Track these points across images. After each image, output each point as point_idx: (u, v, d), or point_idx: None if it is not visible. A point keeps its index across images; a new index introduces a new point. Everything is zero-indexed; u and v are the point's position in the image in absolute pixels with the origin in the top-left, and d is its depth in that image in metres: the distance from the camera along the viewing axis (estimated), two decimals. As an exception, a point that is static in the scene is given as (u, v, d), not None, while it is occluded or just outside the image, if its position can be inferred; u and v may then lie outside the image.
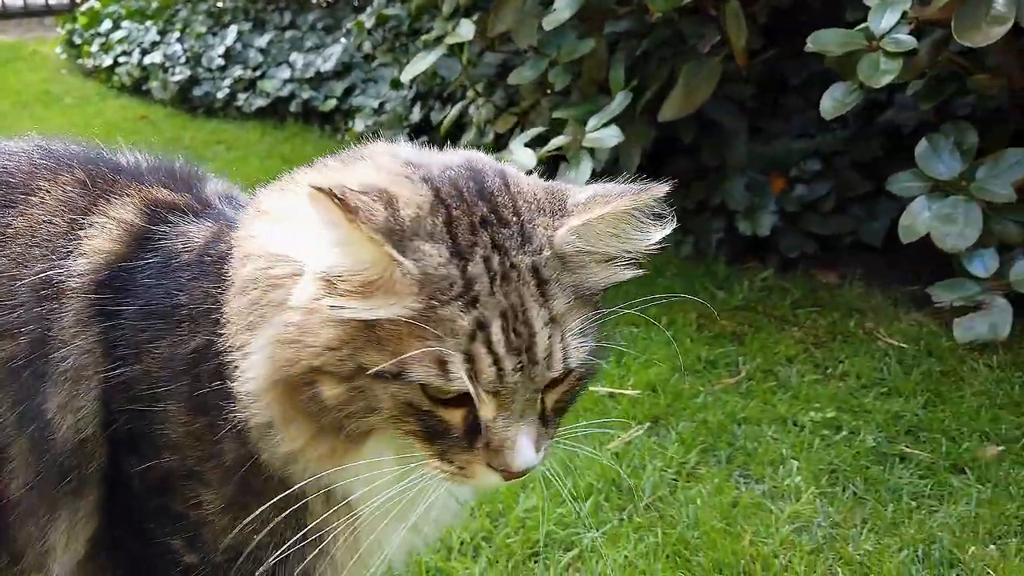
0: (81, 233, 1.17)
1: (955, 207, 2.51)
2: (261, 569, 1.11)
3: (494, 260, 0.96)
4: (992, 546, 1.93)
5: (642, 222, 1.02)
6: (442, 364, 0.94)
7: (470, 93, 3.90)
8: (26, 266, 1.16)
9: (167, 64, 6.61)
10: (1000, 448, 2.25)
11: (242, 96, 6.08)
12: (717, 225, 3.41)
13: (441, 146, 1.16)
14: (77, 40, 8.12)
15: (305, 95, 5.73)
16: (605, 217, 1.00)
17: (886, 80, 2.35)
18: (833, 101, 2.54)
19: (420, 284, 0.94)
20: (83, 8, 8.20)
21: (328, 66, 5.70)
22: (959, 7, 2.26)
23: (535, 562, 1.93)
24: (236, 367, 1.04)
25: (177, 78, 6.40)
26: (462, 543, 1.96)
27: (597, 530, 1.99)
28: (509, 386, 0.97)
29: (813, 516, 2.05)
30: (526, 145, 3.03)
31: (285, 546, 1.09)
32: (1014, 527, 1.99)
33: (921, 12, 2.41)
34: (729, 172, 3.37)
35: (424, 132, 4.47)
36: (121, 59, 7.17)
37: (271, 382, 1.00)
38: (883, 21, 2.39)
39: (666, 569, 1.88)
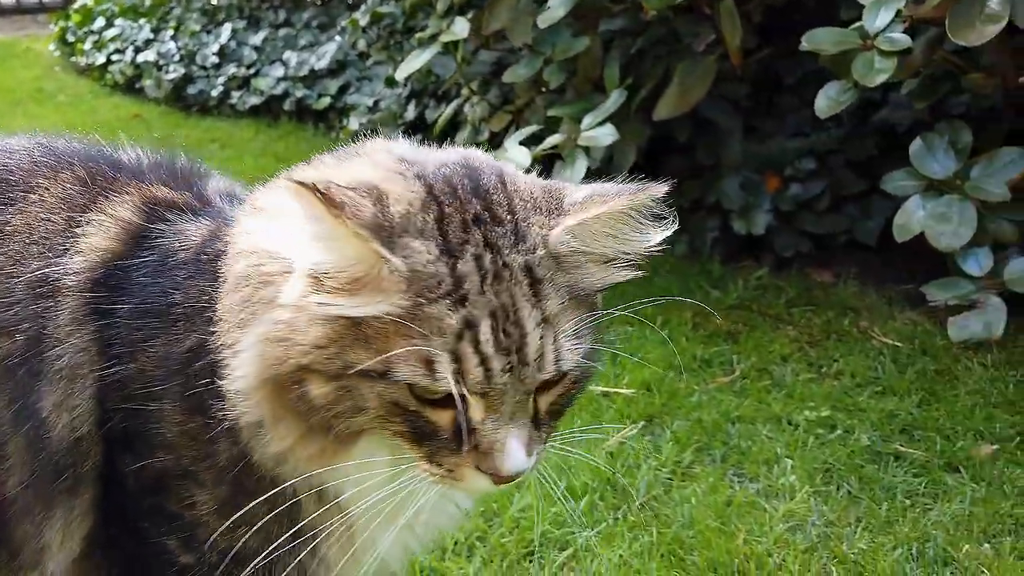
0: (78, 231, 1.17)
1: (949, 206, 2.52)
2: (254, 569, 1.10)
3: (486, 258, 0.95)
4: (986, 545, 1.93)
5: (640, 223, 1.00)
6: (428, 364, 0.93)
7: (465, 91, 3.89)
8: (24, 264, 1.15)
9: (161, 62, 6.59)
10: (994, 447, 2.25)
11: (236, 94, 6.07)
12: (712, 224, 3.41)
13: (436, 144, 1.15)
14: (70, 38, 8.10)
15: (299, 93, 5.71)
16: (601, 217, 0.98)
17: (880, 79, 2.36)
18: (827, 100, 2.55)
19: (408, 281, 0.93)
20: (76, 5, 8.17)
21: (322, 64, 5.69)
22: (953, 6, 2.26)
23: (530, 562, 1.92)
24: (226, 365, 1.03)
25: (171, 76, 6.38)
26: (456, 543, 1.95)
27: (592, 529, 1.99)
28: (497, 387, 0.96)
29: (807, 515, 2.05)
30: (521, 143, 3.03)
31: (275, 544, 1.08)
32: (1008, 525, 1.99)
33: (915, 11, 2.41)
34: (724, 171, 3.37)
35: (419, 130, 4.46)
36: (115, 57, 7.15)
37: (260, 380, 0.99)
38: (877, 20, 2.40)
39: (661, 568, 1.88)
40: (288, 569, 1.12)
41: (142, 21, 7.19)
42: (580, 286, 1.00)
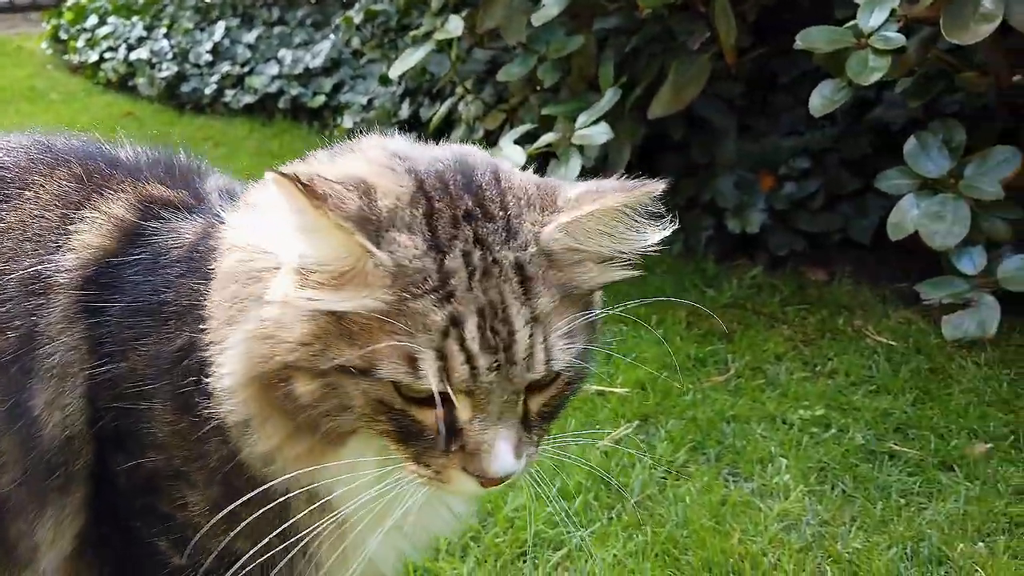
0: (71, 228, 1.16)
1: (943, 204, 2.52)
2: (246, 571, 1.09)
3: (475, 255, 0.93)
4: (980, 543, 1.94)
5: (636, 220, 0.99)
6: (411, 361, 0.91)
7: (459, 90, 3.89)
8: (16, 260, 1.14)
9: (154, 60, 6.56)
10: (988, 445, 2.26)
11: (230, 92, 6.04)
12: (706, 223, 3.41)
13: (432, 143, 1.14)
14: (63, 36, 8.06)
15: (293, 91, 5.70)
16: (596, 214, 0.96)
17: (875, 77, 2.36)
18: (822, 99, 2.55)
19: (393, 276, 0.91)
20: (69, 3, 8.13)
21: (317, 62, 5.67)
22: (947, 5, 2.27)
23: (523, 562, 1.92)
24: (213, 362, 1.02)
25: (164, 74, 6.36)
26: (450, 543, 1.94)
27: (586, 529, 1.99)
28: (483, 386, 0.94)
29: (802, 514, 2.05)
30: (515, 142, 3.02)
31: (263, 544, 1.06)
32: (1002, 524, 2.00)
33: (910, 10, 2.41)
34: (718, 169, 3.36)
35: (413, 129, 4.42)
36: (107, 55, 7.12)
37: (248, 378, 0.98)
38: (872, 19, 2.40)
39: (655, 568, 1.87)
40: (279, 569, 1.11)
41: (135, 19, 7.15)
42: (573, 284, 0.99)
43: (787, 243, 3.32)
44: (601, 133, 2.85)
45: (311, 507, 1.06)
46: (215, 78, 6.14)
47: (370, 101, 5.08)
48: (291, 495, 1.04)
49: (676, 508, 2.05)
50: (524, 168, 1.15)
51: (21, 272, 1.13)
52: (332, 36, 5.81)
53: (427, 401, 0.95)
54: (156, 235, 1.16)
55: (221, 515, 1.05)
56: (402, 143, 1.09)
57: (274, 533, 1.05)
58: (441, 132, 3.72)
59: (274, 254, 0.98)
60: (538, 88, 3.41)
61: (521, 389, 0.98)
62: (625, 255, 1.01)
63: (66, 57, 7.91)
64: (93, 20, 7.59)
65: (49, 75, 7.68)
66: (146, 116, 6.11)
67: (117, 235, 1.16)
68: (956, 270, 2.59)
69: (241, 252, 1.04)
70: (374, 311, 0.91)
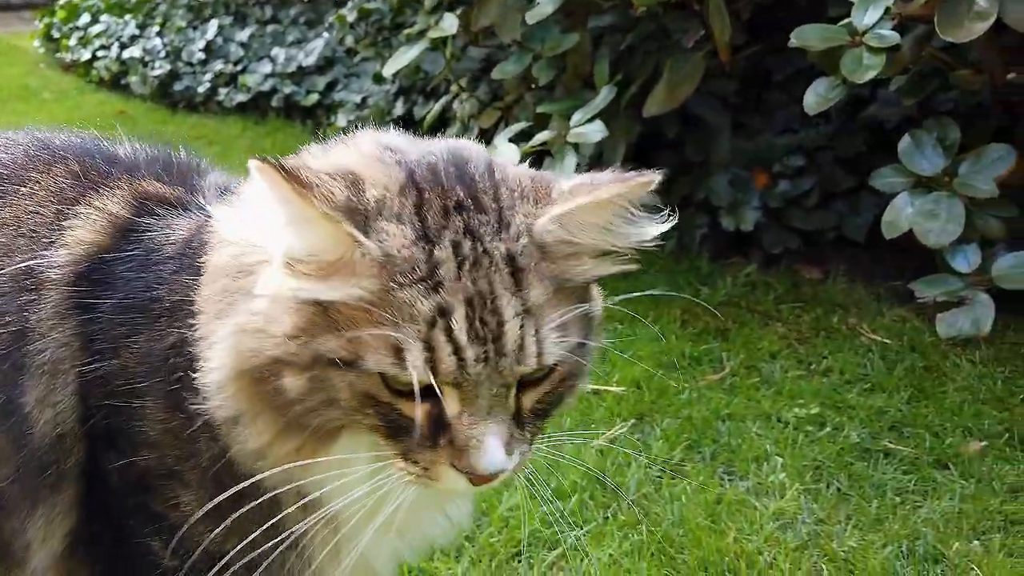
0: (65, 223, 1.15)
1: (938, 203, 2.52)
2: (238, 571, 1.08)
3: (464, 245, 0.92)
4: (976, 542, 1.94)
5: (632, 213, 0.97)
6: (397, 351, 0.90)
7: (454, 88, 3.88)
8: (11, 256, 1.14)
9: (146, 58, 6.55)
10: (983, 443, 2.26)
11: (223, 91, 6.03)
12: (700, 221, 3.41)
13: (427, 141, 1.13)
14: (55, 34, 8.04)
15: (287, 90, 5.68)
16: (589, 205, 0.95)
17: (869, 75, 2.36)
18: (816, 96, 2.55)
19: (380, 265, 0.90)
20: (62, 2, 8.11)
21: (310, 60, 5.66)
22: (942, 3, 2.27)
23: (518, 561, 1.91)
24: (202, 357, 1.01)
25: (157, 72, 6.34)
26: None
27: (581, 528, 1.98)
28: (471, 378, 0.92)
29: (797, 513, 2.04)
30: (510, 140, 3.02)
31: (253, 541, 1.04)
32: (997, 522, 2.00)
33: (904, 8, 2.41)
34: (713, 168, 3.36)
35: (407, 127, 4.38)
36: (100, 53, 7.10)
37: (237, 372, 0.97)
38: (866, 16, 2.40)
39: (651, 567, 1.87)
40: (271, 567, 1.10)
41: (128, 17, 7.13)
42: (567, 277, 0.97)
43: (781, 241, 3.32)
44: (596, 131, 2.84)
45: (302, 505, 1.04)
46: (208, 76, 6.13)
47: (364, 99, 5.08)
48: (281, 492, 1.03)
49: (672, 507, 2.04)
50: (521, 163, 1.14)
51: (13, 268, 1.12)
52: (326, 34, 5.80)
53: (414, 394, 0.92)
54: (150, 231, 1.15)
55: (211, 513, 1.04)
56: (396, 137, 1.08)
57: (265, 530, 1.04)
58: (435, 130, 3.70)
59: (261, 246, 0.96)
60: (533, 86, 3.40)
61: (512, 382, 0.96)
62: (620, 248, 1.00)
63: (59, 55, 7.89)
64: (86, 18, 7.58)
65: (42, 73, 7.66)
66: (139, 115, 6.10)
67: (111, 231, 1.15)
68: (950, 268, 2.60)
69: (232, 246, 1.02)
70: (361, 300, 0.90)
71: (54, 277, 1.12)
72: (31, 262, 1.12)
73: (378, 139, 1.06)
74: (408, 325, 0.90)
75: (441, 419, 0.95)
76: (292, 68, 5.71)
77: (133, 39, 6.86)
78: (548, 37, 3.16)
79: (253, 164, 0.88)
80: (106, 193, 1.19)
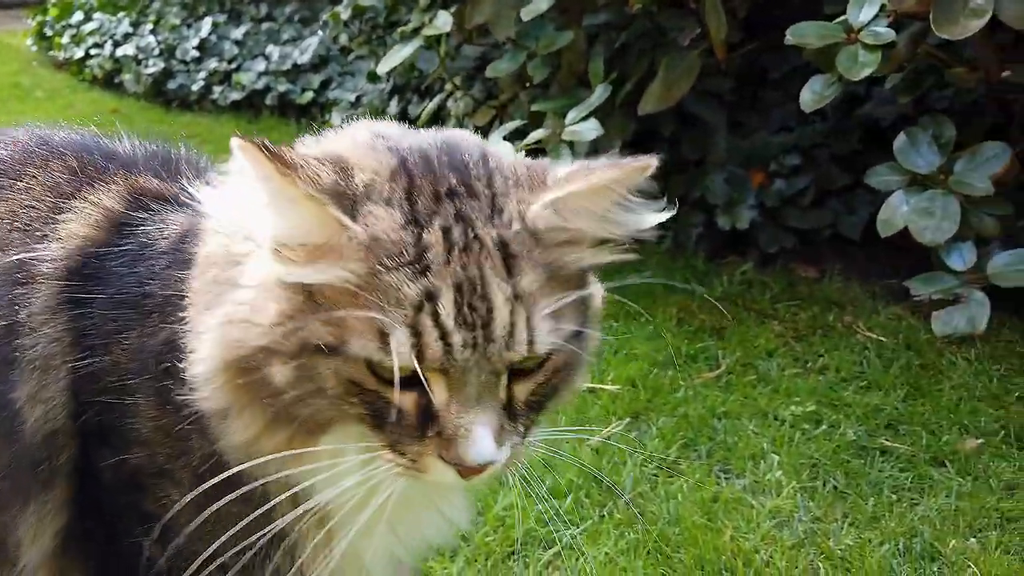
0: (59, 218, 1.15)
1: (933, 201, 2.52)
2: (221, 560, 1.07)
3: (455, 231, 0.90)
4: (972, 539, 1.93)
5: (628, 199, 0.95)
6: (383, 336, 0.88)
7: (448, 86, 3.87)
8: (4, 251, 1.13)
9: (140, 56, 6.52)
10: (979, 441, 2.26)
11: (217, 89, 6.01)
12: (696, 219, 3.40)
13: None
14: (48, 32, 8.00)
15: (281, 88, 5.67)
16: (584, 192, 0.93)
17: (865, 73, 2.36)
18: (812, 94, 2.55)
19: (367, 249, 0.89)
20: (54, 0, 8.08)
21: (304, 59, 5.65)
22: (937, 0, 2.26)
23: (514, 560, 1.90)
24: (189, 348, 0.99)
25: (150, 71, 6.32)
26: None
27: (577, 527, 1.97)
28: (458, 364, 0.90)
29: (794, 511, 2.04)
30: (505, 138, 3.01)
31: (243, 535, 1.03)
32: (994, 520, 1.99)
33: (899, 5, 2.41)
34: (708, 166, 3.36)
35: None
36: (93, 51, 7.07)
37: (224, 363, 0.95)
38: (862, 14, 2.40)
39: (647, 566, 1.86)
40: (259, 560, 1.08)
41: (121, 15, 7.11)
42: (561, 264, 0.95)
43: (777, 239, 3.32)
44: (591, 129, 2.84)
45: (290, 498, 1.02)
46: (202, 75, 6.11)
47: (358, 98, 5.07)
48: (270, 485, 1.01)
49: (668, 505, 2.04)
50: (517, 157, 1.13)
51: (6, 262, 1.12)
52: (320, 32, 5.78)
53: (403, 382, 0.90)
54: (144, 226, 1.14)
55: (198, 505, 1.02)
56: (390, 127, 1.07)
57: (256, 526, 1.02)
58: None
59: (245, 228, 0.95)
60: (528, 84, 3.40)
61: (502, 369, 0.93)
62: (616, 234, 0.98)
63: (51, 54, 7.86)
64: (79, 16, 7.54)
65: (34, 72, 7.62)
66: (132, 113, 6.08)
67: (104, 225, 1.14)
68: (946, 266, 2.60)
69: (220, 236, 1.01)
70: (347, 283, 0.89)
71: (46, 271, 1.11)
72: (23, 255, 1.11)
73: (372, 128, 1.05)
74: (394, 309, 0.88)
75: (429, 409, 0.93)
76: (286, 66, 5.70)
77: (126, 37, 6.83)
78: (543, 35, 3.15)
79: (235, 143, 0.86)
80: (101, 188, 1.18)
